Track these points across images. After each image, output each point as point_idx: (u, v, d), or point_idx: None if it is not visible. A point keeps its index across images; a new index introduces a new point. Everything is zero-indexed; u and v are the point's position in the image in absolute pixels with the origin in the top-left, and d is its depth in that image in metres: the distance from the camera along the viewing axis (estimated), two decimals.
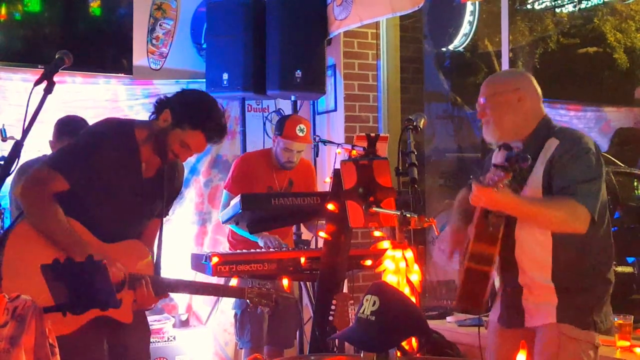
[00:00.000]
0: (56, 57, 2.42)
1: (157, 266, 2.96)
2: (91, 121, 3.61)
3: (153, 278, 2.86)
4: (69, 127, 3.87)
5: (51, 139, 4.00)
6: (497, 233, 2.64)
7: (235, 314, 4.42)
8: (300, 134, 4.33)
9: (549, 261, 2.68)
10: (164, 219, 3.07)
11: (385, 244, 2.48)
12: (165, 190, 3.00)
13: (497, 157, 2.83)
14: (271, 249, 4.10)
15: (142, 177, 2.91)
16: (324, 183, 4.71)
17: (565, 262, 2.68)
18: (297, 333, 4.66)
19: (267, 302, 3.05)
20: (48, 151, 3.90)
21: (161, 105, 2.92)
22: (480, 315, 2.98)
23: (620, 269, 4.49)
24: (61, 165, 2.74)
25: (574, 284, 2.70)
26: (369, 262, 3.35)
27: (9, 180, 2.76)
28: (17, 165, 2.23)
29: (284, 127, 4.37)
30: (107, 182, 2.80)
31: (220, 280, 4.07)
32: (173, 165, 3.05)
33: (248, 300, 3.05)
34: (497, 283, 2.90)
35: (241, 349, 4.52)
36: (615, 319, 3.56)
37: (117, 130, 2.88)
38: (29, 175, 2.78)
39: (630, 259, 5.59)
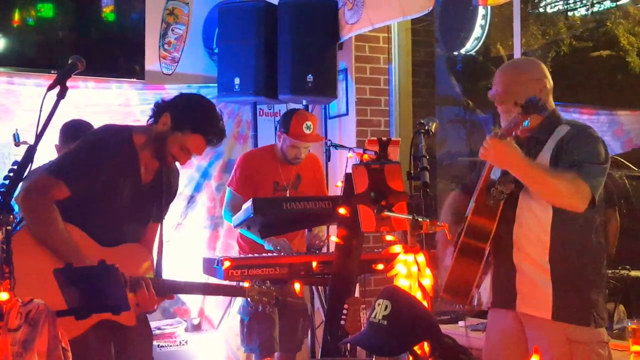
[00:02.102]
0: (69, 62, 2.43)
1: (158, 268, 2.97)
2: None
3: (154, 280, 2.86)
4: (75, 131, 3.89)
5: (57, 142, 4.02)
6: (496, 208, 2.67)
7: (242, 320, 4.31)
8: (307, 132, 4.25)
9: (547, 240, 2.69)
10: (173, 223, 3.09)
11: (397, 248, 2.47)
12: (163, 194, 3.03)
13: None
14: (282, 253, 4.09)
15: (141, 182, 2.93)
16: (336, 187, 4.71)
17: (563, 243, 2.68)
18: (309, 335, 4.65)
19: (268, 299, 3.04)
20: (55, 155, 3.91)
21: (160, 109, 2.93)
22: (466, 306, 2.95)
23: (634, 273, 4.46)
24: (63, 173, 2.76)
25: (569, 274, 2.68)
26: (380, 267, 3.33)
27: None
28: (30, 170, 2.24)
29: (289, 124, 4.26)
30: (107, 188, 2.81)
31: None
32: (170, 169, 3.07)
33: (249, 299, 3.04)
34: (487, 282, 2.89)
35: (250, 353, 4.48)
36: (629, 324, 3.53)
37: (115, 136, 2.90)
38: (29, 182, 2.77)
39: None
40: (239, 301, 4.81)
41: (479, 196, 2.72)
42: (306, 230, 4.39)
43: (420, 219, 2.43)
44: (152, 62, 5.30)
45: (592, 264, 2.73)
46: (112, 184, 2.82)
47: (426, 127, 2.81)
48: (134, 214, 2.93)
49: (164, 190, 3.03)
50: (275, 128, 5.59)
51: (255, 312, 4.11)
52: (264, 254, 4.05)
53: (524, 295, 2.75)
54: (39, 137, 2.28)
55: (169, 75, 5.43)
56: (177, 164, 3.02)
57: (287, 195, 4.34)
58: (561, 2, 7.57)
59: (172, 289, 2.96)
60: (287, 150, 4.32)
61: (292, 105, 5.55)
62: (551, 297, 2.67)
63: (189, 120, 2.87)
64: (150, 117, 2.96)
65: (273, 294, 3.05)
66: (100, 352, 2.78)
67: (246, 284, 3.09)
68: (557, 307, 2.67)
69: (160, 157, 2.90)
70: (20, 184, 2.21)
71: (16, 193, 3.41)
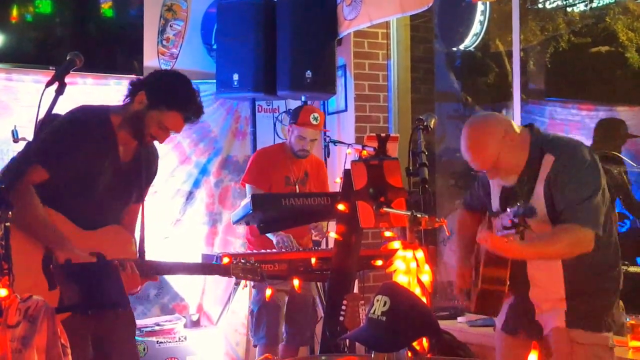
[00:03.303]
0: (67, 58, 2.42)
1: (141, 250, 2.93)
2: None
3: (137, 261, 2.83)
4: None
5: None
6: (507, 258, 2.69)
7: (252, 310, 4.42)
8: (314, 122, 4.47)
9: (561, 274, 2.71)
10: (172, 219, 3.06)
11: (396, 244, 2.47)
12: (143, 175, 2.98)
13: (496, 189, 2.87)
14: (283, 249, 4.11)
15: (119, 162, 2.88)
16: (335, 183, 4.72)
17: (577, 271, 2.70)
18: (312, 336, 4.68)
19: (252, 277, 3.02)
20: None
21: (135, 87, 2.88)
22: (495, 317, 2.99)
23: (632, 269, 4.46)
24: (39, 155, 2.68)
25: (583, 289, 2.71)
26: (379, 263, 3.34)
27: None
28: None
29: (298, 115, 4.50)
30: (86, 170, 2.78)
31: (231, 280, 4.08)
32: (149, 150, 3.02)
33: (234, 277, 3.02)
34: None
35: (255, 346, 4.50)
36: (628, 319, 3.54)
37: (93, 117, 2.86)
38: (6, 166, 2.75)
39: None
40: (238, 297, 4.83)
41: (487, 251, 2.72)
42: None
43: (419, 215, 2.43)
44: (150, 58, 5.29)
45: (607, 276, 2.76)
46: (90, 165, 2.78)
47: (425, 123, 2.81)
48: (114, 195, 2.88)
49: (143, 171, 2.97)
50: (274, 124, 5.62)
51: (264, 302, 4.16)
52: (262, 250, 4.06)
53: (545, 325, 2.77)
54: (37, 133, 2.28)
55: None
56: (156, 143, 2.97)
57: (297, 190, 4.49)
58: None
59: (156, 270, 2.92)
60: (294, 141, 4.49)
61: (291, 102, 5.56)
62: (565, 310, 2.71)
63: (164, 97, 2.82)
64: (126, 96, 2.89)
65: (258, 271, 3.01)
66: (81, 340, 2.71)
67: (226, 259, 3.06)
68: (569, 316, 2.70)
69: (138, 136, 2.84)
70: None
71: None
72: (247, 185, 4.56)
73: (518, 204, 2.51)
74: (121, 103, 2.93)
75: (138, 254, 2.92)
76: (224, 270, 3.06)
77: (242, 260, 3.02)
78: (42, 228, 2.66)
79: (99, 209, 2.84)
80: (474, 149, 2.81)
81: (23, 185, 2.63)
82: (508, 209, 2.53)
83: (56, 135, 2.77)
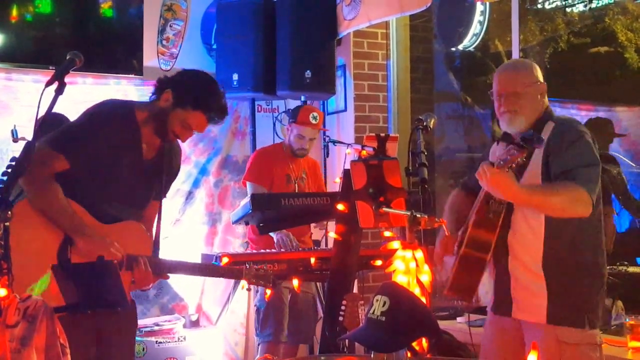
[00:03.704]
0: (67, 58, 2.42)
1: (155, 247, 2.94)
2: None
3: (151, 258, 2.84)
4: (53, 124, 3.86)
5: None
6: (497, 220, 2.68)
7: (258, 309, 4.44)
8: (314, 121, 4.52)
9: (540, 247, 2.69)
10: (171, 219, 3.06)
11: (396, 244, 2.47)
12: (164, 172, 3.00)
13: (498, 150, 2.84)
14: (282, 249, 4.11)
15: (142, 159, 2.90)
16: (334, 183, 4.72)
17: (556, 250, 2.69)
18: (313, 335, 4.69)
19: (264, 283, 3.03)
20: None
21: (162, 85, 2.92)
22: (470, 304, 2.98)
23: (632, 269, 4.47)
24: (62, 145, 2.73)
25: (564, 277, 2.69)
26: (379, 263, 3.34)
27: None
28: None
29: (298, 114, 4.54)
30: (108, 163, 2.79)
31: (230, 281, 4.08)
32: (171, 147, 3.04)
33: (246, 281, 3.04)
34: (485, 277, 2.90)
35: (260, 344, 4.51)
36: (627, 320, 3.54)
37: (118, 111, 2.88)
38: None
39: None
40: (237, 297, 4.83)
41: (479, 208, 2.71)
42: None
43: (418, 215, 2.43)
44: (150, 58, 5.28)
45: (589, 265, 2.74)
46: (113, 158, 2.80)
47: (424, 123, 2.81)
48: (135, 191, 2.90)
49: (165, 168, 2.99)
50: (274, 124, 5.62)
51: (270, 300, 4.18)
52: (262, 250, 4.06)
53: (518, 302, 2.76)
54: (37, 133, 2.28)
55: (167, 71, 5.41)
56: (179, 141, 3.01)
57: (297, 187, 4.53)
58: None
59: (168, 269, 2.94)
60: (293, 140, 4.55)
61: (291, 102, 5.56)
62: (546, 303, 2.68)
63: (190, 96, 2.85)
64: (153, 93, 2.94)
65: (270, 277, 3.04)
66: (83, 336, 2.71)
67: (226, 259, 3.05)
68: (551, 312, 2.67)
69: (162, 133, 2.88)
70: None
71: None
72: (248, 184, 4.57)
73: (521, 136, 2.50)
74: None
75: (152, 252, 2.93)
76: (237, 274, 3.08)
77: (255, 266, 3.04)
78: (62, 214, 2.69)
79: (119, 204, 2.85)
80: (509, 70, 2.90)
81: (46, 173, 2.68)
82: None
83: (80, 126, 2.82)
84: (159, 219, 3.00)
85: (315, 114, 4.54)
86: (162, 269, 2.90)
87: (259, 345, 4.54)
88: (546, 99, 2.85)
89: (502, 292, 2.83)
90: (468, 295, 2.78)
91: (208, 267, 3.24)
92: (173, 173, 3.13)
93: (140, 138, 2.88)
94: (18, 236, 2.54)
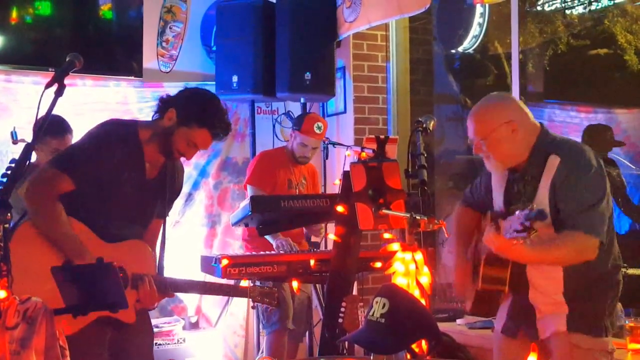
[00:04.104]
0: (67, 60, 2.42)
1: (160, 266, 2.97)
2: None
3: (156, 277, 2.86)
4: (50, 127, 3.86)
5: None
6: (507, 259, 2.69)
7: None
8: (318, 131, 4.53)
9: (561, 277, 2.70)
10: (171, 221, 3.07)
11: (395, 246, 2.47)
12: (167, 190, 3.02)
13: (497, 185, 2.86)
14: (281, 252, 4.11)
15: (145, 177, 2.92)
16: (333, 185, 4.73)
17: (576, 275, 2.70)
18: (306, 335, 4.70)
19: (269, 300, 3.06)
20: None
21: (165, 104, 2.93)
22: (491, 317, 3.00)
23: (631, 271, 4.46)
24: (68, 165, 2.76)
25: (584, 294, 2.71)
26: (378, 264, 3.34)
27: None
28: (27, 167, 2.23)
29: (302, 123, 4.55)
30: (112, 183, 2.81)
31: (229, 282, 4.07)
32: (174, 166, 3.06)
33: (251, 300, 3.06)
34: None
35: (267, 335, 4.51)
36: (627, 322, 3.54)
37: (121, 131, 2.90)
38: (35, 175, 2.79)
39: None
40: (236, 299, 4.82)
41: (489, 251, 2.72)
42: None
43: (418, 217, 2.43)
44: (150, 60, 5.29)
45: (606, 275, 2.75)
46: (117, 178, 2.82)
47: (424, 125, 2.81)
48: (138, 210, 2.92)
49: (167, 187, 3.02)
50: (273, 126, 5.62)
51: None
52: (261, 252, 4.06)
53: (544, 329, 2.76)
54: (36, 134, 2.29)
55: (167, 73, 5.42)
56: (182, 159, 3.02)
57: (298, 192, 4.56)
58: (559, 1, 7.57)
59: (173, 287, 2.96)
60: (296, 148, 4.57)
61: (290, 103, 5.56)
62: (566, 316, 2.70)
63: (195, 115, 2.87)
64: (155, 112, 2.95)
65: (275, 295, 3.07)
66: (96, 350, 2.76)
67: (244, 282, 3.09)
68: (570, 321, 2.69)
69: (167, 152, 2.89)
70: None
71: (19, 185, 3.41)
72: (249, 187, 4.58)
73: (529, 207, 2.47)
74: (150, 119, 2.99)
75: (157, 270, 2.95)
76: (241, 292, 3.10)
77: (260, 284, 3.08)
78: (65, 238, 2.70)
79: (122, 223, 2.87)
80: (476, 116, 2.83)
81: (50, 194, 2.71)
82: (517, 212, 2.50)
83: (84, 146, 2.84)
84: (164, 236, 3.03)
85: (320, 124, 4.55)
86: (167, 287, 2.92)
87: (267, 336, 4.52)
88: (532, 125, 2.78)
89: (523, 320, 2.83)
90: (490, 313, 2.91)
91: (213, 286, 3.25)
92: (176, 191, 3.15)
93: (144, 157, 2.90)
94: (23, 260, 2.55)
